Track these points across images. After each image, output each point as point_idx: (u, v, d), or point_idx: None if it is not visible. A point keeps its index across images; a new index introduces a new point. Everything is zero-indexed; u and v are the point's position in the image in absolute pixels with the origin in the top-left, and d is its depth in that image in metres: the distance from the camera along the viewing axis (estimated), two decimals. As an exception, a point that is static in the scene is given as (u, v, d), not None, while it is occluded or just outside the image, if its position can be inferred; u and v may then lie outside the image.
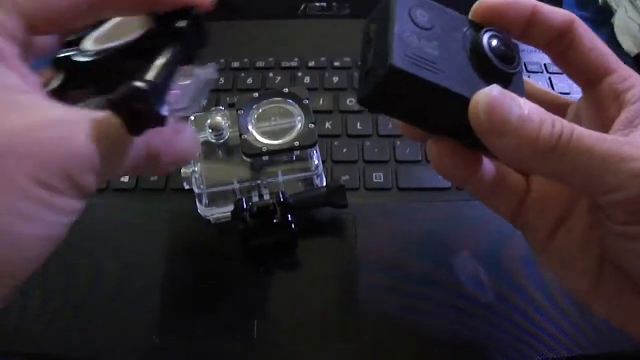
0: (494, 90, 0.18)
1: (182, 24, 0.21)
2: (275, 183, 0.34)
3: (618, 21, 0.50)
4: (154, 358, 0.31)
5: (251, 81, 0.45)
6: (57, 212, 0.18)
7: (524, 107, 0.18)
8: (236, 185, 0.34)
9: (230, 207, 0.33)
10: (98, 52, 0.21)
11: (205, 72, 0.22)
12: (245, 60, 0.46)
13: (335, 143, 0.40)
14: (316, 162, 0.35)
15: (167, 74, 0.19)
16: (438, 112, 0.20)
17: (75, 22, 0.21)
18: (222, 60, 0.46)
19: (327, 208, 0.34)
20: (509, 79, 0.20)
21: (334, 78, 0.45)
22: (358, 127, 0.41)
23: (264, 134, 0.34)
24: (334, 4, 0.50)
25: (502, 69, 0.20)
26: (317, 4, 0.51)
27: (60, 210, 0.18)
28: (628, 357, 0.31)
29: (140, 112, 0.18)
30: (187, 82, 0.21)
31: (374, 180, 0.39)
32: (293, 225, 0.33)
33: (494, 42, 0.20)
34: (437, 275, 0.34)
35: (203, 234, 0.36)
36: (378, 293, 0.33)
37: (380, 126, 0.41)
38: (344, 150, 0.40)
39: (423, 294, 0.33)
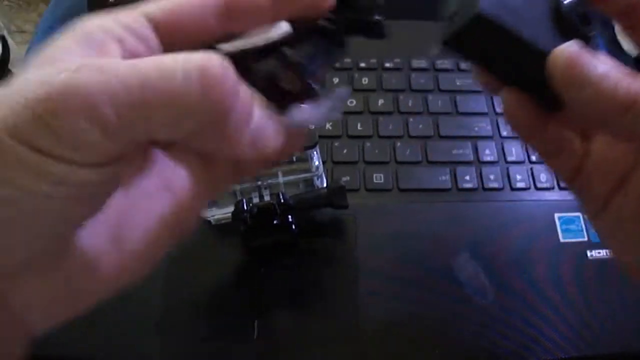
0: (575, 45, 0.19)
1: (325, 23, 0.20)
2: (275, 184, 0.34)
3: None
4: (154, 358, 0.31)
5: (252, 82, 0.45)
6: (14, 166, 0.13)
7: (603, 64, 0.19)
8: (237, 187, 0.34)
9: (231, 208, 0.33)
10: (235, 51, 0.19)
11: (340, 93, 0.21)
12: (246, 61, 0.46)
13: (336, 144, 0.41)
14: (317, 163, 0.35)
15: (312, 58, 0.19)
16: (516, 63, 0.21)
17: (208, 35, 0.18)
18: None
19: (328, 209, 0.35)
20: (587, 40, 0.21)
21: (334, 79, 0.45)
22: (358, 128, 0.41)
23: (264, 135, 0.34)
24: (334, 5, 0.50)
25: (581, 30, 0.21)
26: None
27: (19, 164, 0.13)
28: (630, 357, 0.31)
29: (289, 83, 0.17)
30: (323, 98, 0.20)
31: (375, 181, 0.39)
32: (293, 226, 0.33)
33: (576, 3, 0.21)
34: (438, 276, 0.34)
35: (203, 235, 0.36)
36: (378, 294, 0.33)
37: (380, 127, 0.41)
38: (345, 151, 0.40)
39: (423, 295, 0.33)
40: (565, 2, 0.21)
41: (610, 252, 0.24)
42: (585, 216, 0.25)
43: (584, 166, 0.24)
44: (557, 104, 0.20)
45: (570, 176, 0.24)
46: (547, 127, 0.23)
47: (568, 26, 0.21)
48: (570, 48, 0.19)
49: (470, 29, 0.19)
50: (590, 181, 0.23)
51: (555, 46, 0.19)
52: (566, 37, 0.20)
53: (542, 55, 0.19)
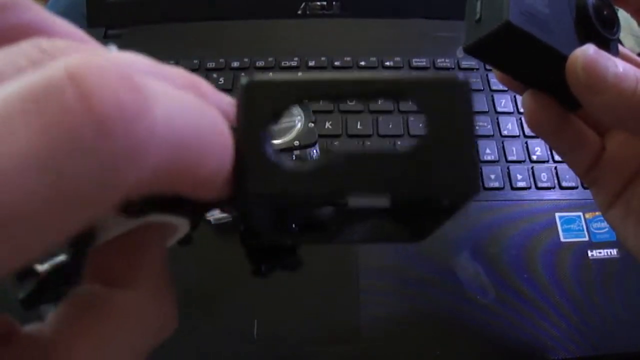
0: (590, 48, 0.19)
1: None
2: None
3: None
4: (154, 358, 0.31)
5: (252, 81, 0.45)
6: None
7: (620, 66, 0.19)
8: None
9: (230, 207, 0.33)
10: None
11: None
12: (246, 60, 0.46)
13: (336, 143, 0.40)
14: (316, 162, 0.35)
15: None
16: (540, 68, 0.21)
17: None
18: (222, 60, 0.46)
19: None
20: (608, 44, 0.21)
21: (334, 78, 0.45)
22: (358, 127, 0.41)
23: (264, 133, 0.34)
24: (334, 3, 0.50)
25: (603, 34, 0.21)
26: (318, 3, 0.50)
27: None
28: (631, 357, 0.31)
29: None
30: None
31: (375, 180, 0.38)
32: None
33: (599, 8, 0.21)
34: (438, 276, 0.34)
35: (203, 234, 0.35)
36: (378, 293, 0.33)
37: (380, 126, 0.41)
38: (345, 150, 0.40)
39: (424, 294, 0.33)
40: (590, 8, 0.21)
41: (623, 243, 0.24)
42: (598, 208, 0.25)
43: (599, 161, 0.24)
44: (577, 103, 0.20)
45: (586, 170, 0.24)
46: (566, 125, 0.23)
47: (591, 31, 0.21)
48: (587, 51, 0.19)
49: (497, 38, 0.19)
50: (605, 175, 0.24)
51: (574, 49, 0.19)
52: (586, 41, 0.20)
53: (562, 59, 0.20)
